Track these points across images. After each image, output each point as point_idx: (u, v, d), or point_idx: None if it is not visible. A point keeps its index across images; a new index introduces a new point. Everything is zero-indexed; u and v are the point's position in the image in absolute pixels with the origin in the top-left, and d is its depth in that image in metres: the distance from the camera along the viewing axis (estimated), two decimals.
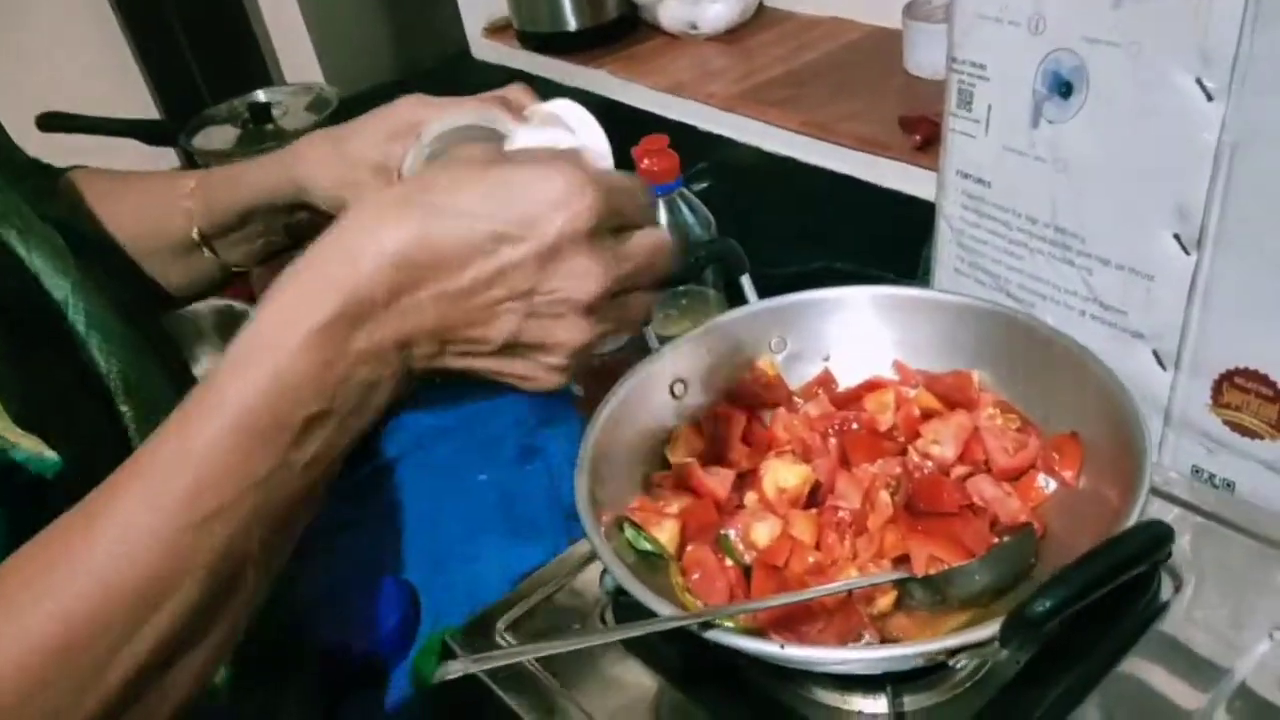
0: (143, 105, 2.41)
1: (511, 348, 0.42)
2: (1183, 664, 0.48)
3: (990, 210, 0.74)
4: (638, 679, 0.54)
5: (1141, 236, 0.64)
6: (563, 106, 0.54)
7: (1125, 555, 0.38)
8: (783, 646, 0.41)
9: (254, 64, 2.11)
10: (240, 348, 0.39)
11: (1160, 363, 0.66)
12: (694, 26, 1.12)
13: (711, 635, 0.42)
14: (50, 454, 0.45)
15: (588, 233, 0.40)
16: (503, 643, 0.56)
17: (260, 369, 0.38)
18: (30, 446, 0.44)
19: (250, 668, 0.53)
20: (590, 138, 0.52)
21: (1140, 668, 0.48)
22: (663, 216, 0.79)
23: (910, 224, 0.82)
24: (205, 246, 0.70)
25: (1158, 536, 0.38)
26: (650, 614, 0.44)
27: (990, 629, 0.38)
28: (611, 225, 0.42)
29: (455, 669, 0.43)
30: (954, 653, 0.40)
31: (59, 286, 0.53)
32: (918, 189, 0.82)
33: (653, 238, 0.44)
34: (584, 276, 0.41)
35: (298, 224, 0.69)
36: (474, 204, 0.40)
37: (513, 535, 0.80)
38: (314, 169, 0.64)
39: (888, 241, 0.85)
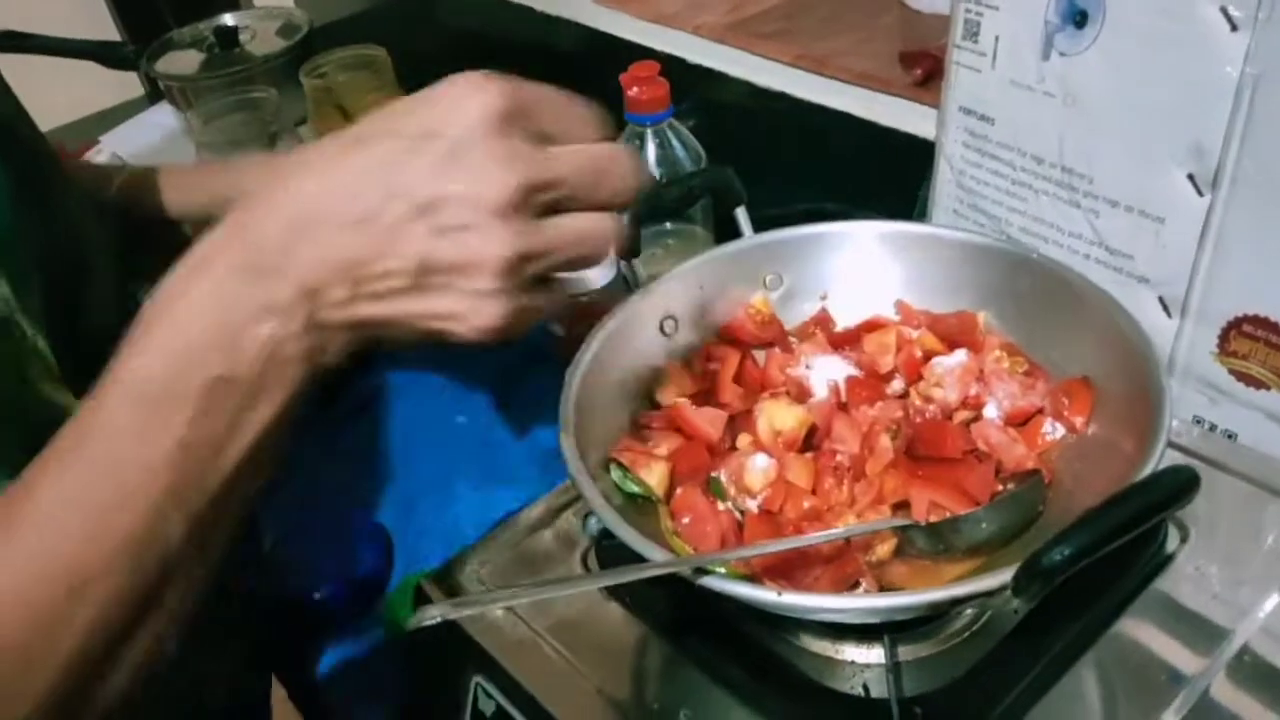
0: (103, 26, 2.31)
1: (426, 274, 0.37)
2: (1186, 619, 0.46)
3: (993, 149, 0.71)
4: (621, 626, 0.51)
5: (1153, 176, 0.62)
6: None
7: (1150, 501, 0.35)
8: (779, 594, 0.38)
9: None
10: (139, 319, 0.37)
11: (1166, 310, 0.63)
12: None
13: (705, 582, 0.40)
14: None
15: (494, 126, 0.36)
16: (480, 587, 0.53)
17: (152, 335, 0.36)
18: None
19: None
20: None
21: (1143, 620, 0.46)
22: (651, 150, 0.76)
23: (908, 163, 0.79)
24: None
25: (1184, 482, 0.36)
26: (638, 559, 0.41)
27: (1002, 577, 0.35)
28: (529, 128, 0.37)
29: (432, 614, 0.41)
30: (960, 601, 0.38)
31: None
32: (917, 127, 0.79)
33: (593, 149, 0.39)
34: (488, 170, 0.36)
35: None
36: (368, 129, 0.37)
37: (491, 479, 0.78)
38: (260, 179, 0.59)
39: (884, 181, 0.82)
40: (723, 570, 0.41)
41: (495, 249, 0.36)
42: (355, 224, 0.36)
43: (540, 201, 0.37)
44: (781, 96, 0.90)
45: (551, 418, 0.50)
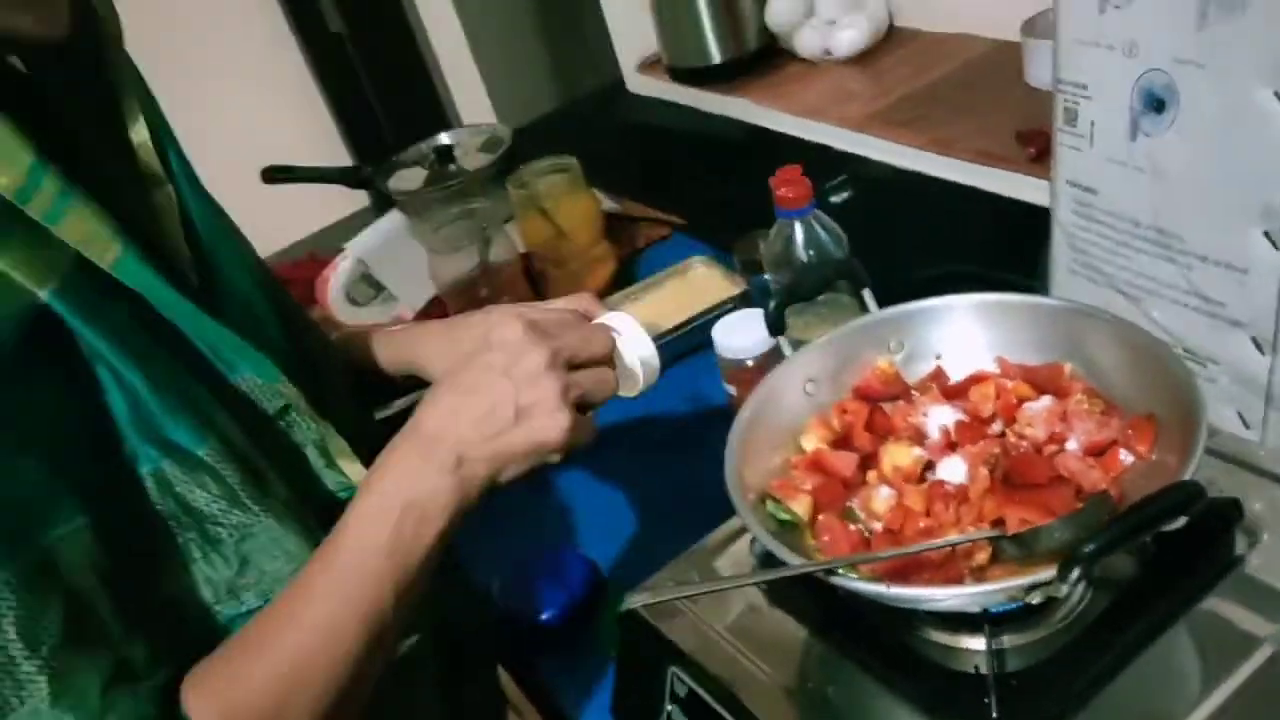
0: (336, 151, 2.69)
1: (519, 415, 0.60)
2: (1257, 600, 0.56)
3: (1098, 215, 0.82)
4: (782, 625, 0.66)
5: (1234, 234, 0.71)
6: (614, 318, 0.69)
7: (1157, 509, 0.47)
8: (888, 587, 0.52)
9: (433, 106, 2.33)
10: (364, 481, 0.61)
11: (1259, 348, 0.72)
12: (828, 52, 1.22)
13: (835, 580, 0.54)
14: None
15: (521, 330, 0.62)
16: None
17: (371, 489, 0.59)
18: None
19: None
20: (629, 342, 0.68)
21: (1215, 609, 0.57)
22: (799, 236, 0.90)
23: (1029, 228, 0.90)
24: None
25: (1188, 493, 0.47)
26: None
27: (1051, 570, 0.48)
28: (537, 327, 0.63)
29: (635, 600, 0.57)
30: (1028, 590, 0.50)
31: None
32: (1034, 197, 0.90)
33: (582, 329, 0.65)
34: (528, 350, 0.61)
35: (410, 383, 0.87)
36: (464, 369, 0.63)
37: (683, 516, 0.94)
38: (430, 353, 0.84)
39: (1009, 244, 0.93)
40: (847, 572, 0.54)
41: (552, 386, 0.61)
42: (478, 412, 0.61)
43: (563, 360, 0.62)
44: (916, 175, 1.03)
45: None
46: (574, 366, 0.63)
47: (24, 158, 0.50)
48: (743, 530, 0.72)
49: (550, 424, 0.61)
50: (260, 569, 0.58)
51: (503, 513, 0.99)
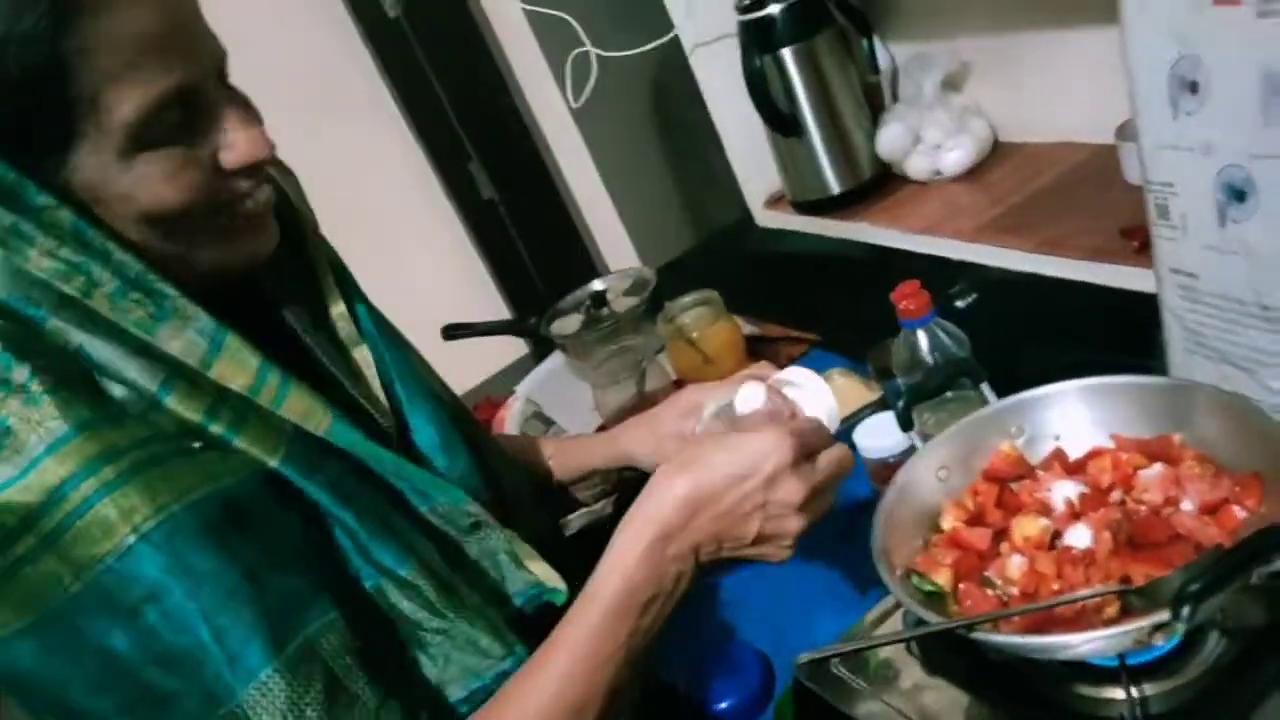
0: (495, 304, 2.93)
1: (758, 540, 0.70)
2: None
3: (1202, 297, 0.89)
4: (943, 694, 0.73)
5: None
6: (792, 372, 0.82)
7: (1254, 547, 0.54)
8: (1024, 638, 0.59)
9: (581, 255, 2.54)
10: (603, 565, 0.70)
11: None
12: (938, 173, 1.33)
13: (976, 635, 0.62)
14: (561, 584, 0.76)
15: (790, 464, 0.68)
16: (837, 673, 0.77)
17: (614, 576, 0.69)
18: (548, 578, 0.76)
19: None
20: (811, 394, 0.79)
21: None
22: (924, 342, 1.00)
23: (1142, 315, 0.97)
24: (561, 489, 1.05)
25: (1272, 538, 0.54)
26: (943, 640, 0.64)
27: (1164, 613, 0.55)
28: (805, 454, 0.70)
29: (807, 657, 0.67)
30: (1151, 632, 0.57)
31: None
32: (1143, 285, 0.97)
33: (832, 455, 0.72)
34: (793, 490, 0.69)
35: (624, 476, 1.00)
36: (722, 460, 0.69)
37: (839, 605, 1.01)
38: (636, 444, 0.97)
39: (1124, 332, 0.99)
40: (989, 629, 0.62)
41: (794, 527, 0.70)
42: (721, 516, 0.69)
43: (813, 502, 0.70)
44: (1030, 276, 1.12)
45: None
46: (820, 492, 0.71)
47: (253, 361, 0.66)
48: (895, 607, 0.80)
49: (779, 554, 0.72)
50: (460, 664, 0.71)
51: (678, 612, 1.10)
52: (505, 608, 0.75)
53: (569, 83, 1.52)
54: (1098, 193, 1.14)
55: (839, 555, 1.07)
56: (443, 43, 2.71)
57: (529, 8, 1.55)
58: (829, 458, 0.71)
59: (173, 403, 0.63)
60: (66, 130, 0.60)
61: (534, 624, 0.74)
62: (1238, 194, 0.82)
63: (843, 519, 1.15)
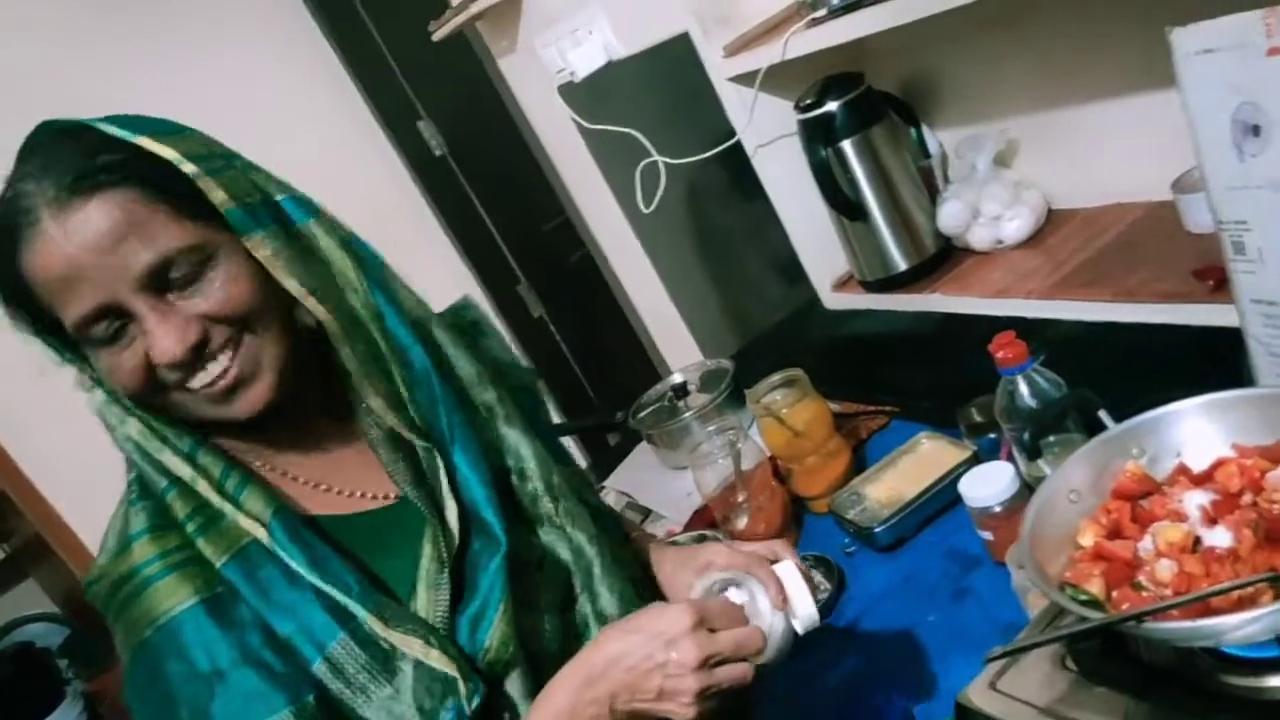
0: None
1: (661, 695, 0.79)
2: None
3: None
4: (1107, 702, 0.77)
5: None
6: (782, 568, 0.90)
7: None
8: (1193, 623, 0.64)
9: (636, 359, 2.63)
10: (537, 701, 0.83)
11: None
12: (1000, 242, 1.41)
13: (1143, 627, 0.66)
14: None
15: (688, 630, 0.79)
16: (998, 694, 0.81)
17: (541, 708, 0.82)
18: None
19: None
20: (790, 588, 0.88)
21: None
22: (1024, 389, 1.07)
23: (1224, 349, 1.03)
24: None
25: None
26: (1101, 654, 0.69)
27: None
28: (704, 625, 0.80)
29: (997, 651, 0.73)
30: None
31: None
32: (1223, 320, 1.03)
33: (736, 634, 0.82)
34: (687, 651, 0.78)
35: None
36: (642, 623, 0.81)
37: (967, 654, 1.05)
38: (665, 576, 1.05)
39: (1208, 368, 1.04)
40: (1155, 622, 0.67)
41: (693, 685, 0.78)
42: (629, 668, 0.79)
43: (713, 663, 0.79)
44: (1109, 324, 1.18)
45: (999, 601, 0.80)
46: (721, 663, 0.80)
47: (268, 512, 0.83)
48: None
49: (682, 711, 0.80)
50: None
51: (818, 678, 1.13)
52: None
53: (639, 192, 1.63)
54: (1161, 243, 1.21)
55: (959, 609, 1.12)
56: (487, 174, 2.86)
57: (596, 126, 1.67)
58: (729, 634, 0.82)
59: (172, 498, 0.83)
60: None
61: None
62: None
63: (954, 573, 1.20)
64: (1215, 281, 1.05)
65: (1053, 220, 1.42)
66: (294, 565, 0.81)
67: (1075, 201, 1.42)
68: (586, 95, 1.73)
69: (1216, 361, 1.04)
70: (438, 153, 2.89)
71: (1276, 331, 0.96)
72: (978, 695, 0.80)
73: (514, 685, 0.85)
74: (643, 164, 1.61)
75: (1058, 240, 1.37)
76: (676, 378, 1.75)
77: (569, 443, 2.74)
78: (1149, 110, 1.24)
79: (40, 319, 0.81)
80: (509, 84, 2.11)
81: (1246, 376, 1.02)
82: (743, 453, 1.40)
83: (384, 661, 0.81)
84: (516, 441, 0.93)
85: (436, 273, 2.95)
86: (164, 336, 0.78)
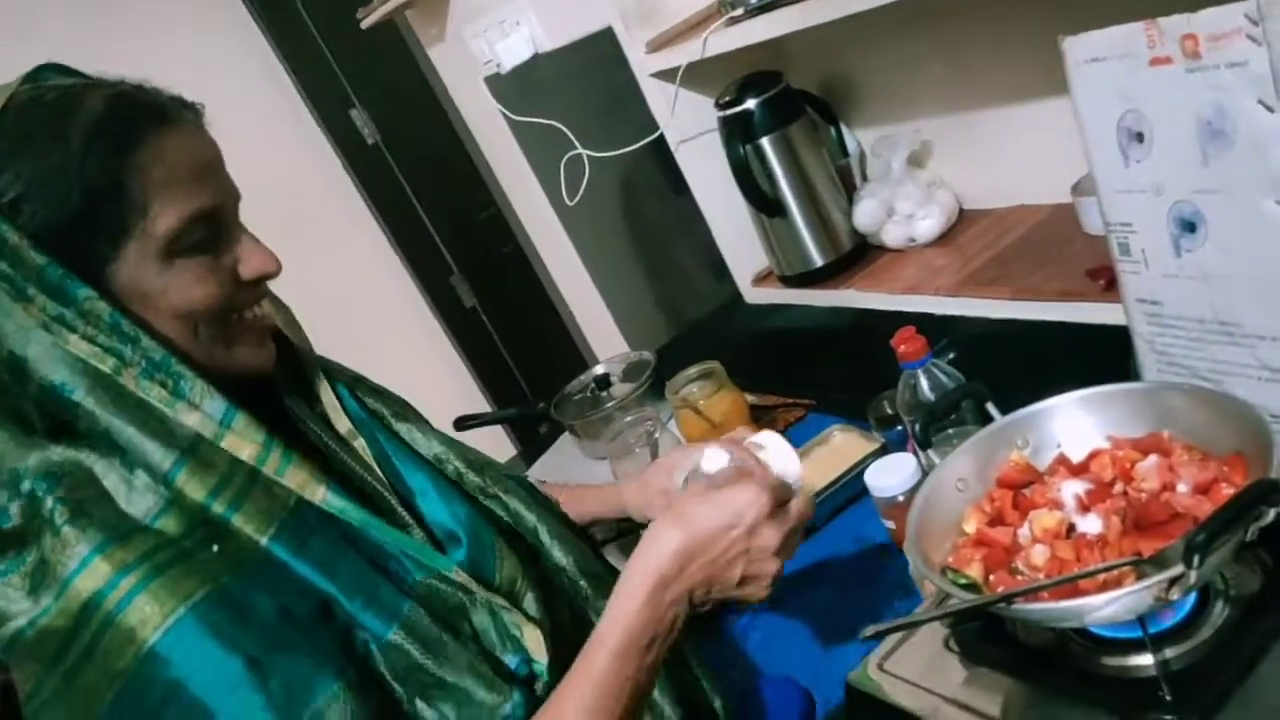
0: (476, 399, 3.00)
1: (743, 582, 0.80)
2: None
3: (1168, 321, 1.00)
4: (987, 679, 0.81)
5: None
6: (763, 436, 0.92)
7: (1246, 499, 0.63)
8: (1059, 603, 0.68)
9: (565, 350, 2.63)
10: (608, 612, 0.79)
11: None
12: (913, 240, 1.45)
13: (1014, 608, 0.70)
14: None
15: (767, 514, 0.79)
16: (885, 675, 0.84)
17: (620, 623, 0.77)
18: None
19: None
20: (778, 455, 0.89)
21: None
22: (924, 383, 1.10)
23: (1114, 345, 1.07)
24: None
25: (1264, 488, 0.63)
26: (983, 637, 0.73)
27: (1178, 568, 0.64)
28: (778, 503, 0.81)
29: (869, 631, 0.74)
30: (1169, 586, 0.65)
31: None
32: (1112, 319, 1.08)
33: (798, 504, 0.83)
34: (771, 537, 0.79)
35: (620, 526, 1.12)
36: (710, 513, 0.80)
37: (861, 641, 1.08)
38: (630, 498, 1.09)
39: (1099, 363, 1.09)
40: (1024, 602, 0.70)
41: (773, 567, 0.80)
42: (710, 563, 0.78)
43: (790, 544, 0.81)
44: (1011, 321, 1.23)
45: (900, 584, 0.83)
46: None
47: (259, 435, 0.76)
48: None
49: (762, 591, 0.81)
50: (460, 717, 0.77)
51: (724, 647, 1.16)
52: (497, 663, 0.81)
53: (563, 184, 1.64)
54: (1060, 244, 1.26)
55: (860, 596, 1.15)
56: (420, 164, 2.85)
57: (521, 118, 1.68)
58: (796, 506, 0.83)
59: (182, 480, 0.72)
60: (116, 236, 0.73)
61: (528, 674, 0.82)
62: (1188, 226, 0.94)
63: (860, 559, 1.24)
64: (1106, 281, 1.10)
65: (964, 220, 1.47)
66: (355, 524, 0.78)
67: (985, 202, 1.46)
68: (514, 87, 1.74)
69: (1107, 357, 1.09)
70: (370, 141, 2.87)
71: (1159, 329, 1.01)
72: (866, 674, 0.83)
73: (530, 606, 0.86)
74: (566, 156, 1.62)
75: (967, 239, 1.41)
76: (599, 369, 1.76)
77: (498, 433, 2.74)
78: (1052, 116, 1.28)
79: (98, 231, 0.73)
80: (440, 74, 2.10)
81: (1134, 372, 1.07)
82: (660, 443, 1.42)
83: (457, 613, 0.81)
84: (412, 433, 0.95)
85: (369, 262, 2.93)
86: (262, 251, 0.81)
